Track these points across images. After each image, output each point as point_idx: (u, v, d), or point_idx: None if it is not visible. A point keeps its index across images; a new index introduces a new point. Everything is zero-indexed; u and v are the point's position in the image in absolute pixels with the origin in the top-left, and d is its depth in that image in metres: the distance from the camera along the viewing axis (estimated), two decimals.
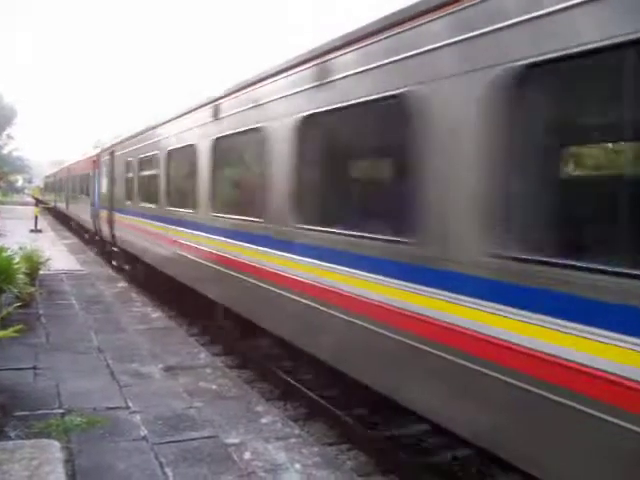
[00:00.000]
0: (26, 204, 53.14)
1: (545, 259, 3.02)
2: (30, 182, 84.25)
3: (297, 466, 4.32)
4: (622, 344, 2.65)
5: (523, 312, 3.10)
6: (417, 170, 3.90)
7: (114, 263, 15.75)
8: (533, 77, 3.15)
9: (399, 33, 4.05)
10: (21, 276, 8.47)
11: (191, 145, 8.28)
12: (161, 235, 10.13)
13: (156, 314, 9.68)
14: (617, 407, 2.68)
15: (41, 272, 10.90)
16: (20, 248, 10.24)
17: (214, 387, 6.10)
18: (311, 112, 5.14)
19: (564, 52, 2.90)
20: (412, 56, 3.92)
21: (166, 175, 9.94)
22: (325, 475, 4.21)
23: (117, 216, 14.33)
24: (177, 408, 5.28)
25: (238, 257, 6.71)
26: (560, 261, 2.95)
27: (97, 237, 18.44)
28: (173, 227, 9.37)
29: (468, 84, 3.48)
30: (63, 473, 3.79)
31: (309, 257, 5.17)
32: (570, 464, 3.00)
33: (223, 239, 7.14)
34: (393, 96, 4.08)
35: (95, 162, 18.41)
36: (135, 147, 12.41)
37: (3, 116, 68.43)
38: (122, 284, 12.64)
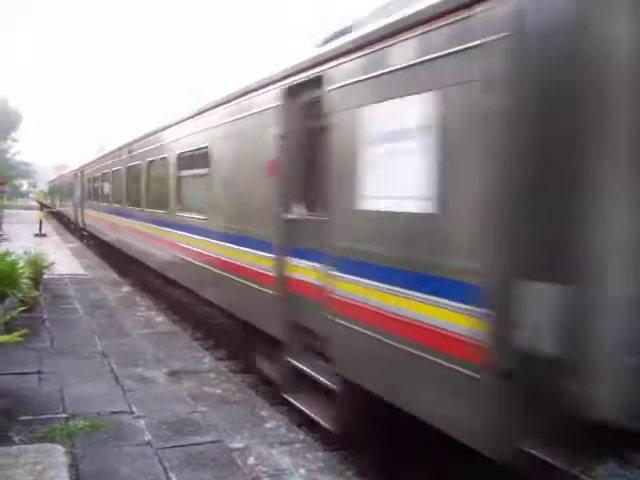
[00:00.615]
0: (30, 208, 53.38)
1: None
2: (35, 186, 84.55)
3: (301, 471, 4.31)
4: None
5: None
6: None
7: (85, 242, 24.06)
8: None
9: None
10: (25, 280, 8.49)
11: (106, 172, 17.21)
12: (100, 219, 18.68)
13: (160, 318, 9.69)
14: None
15: (45, 276, 10.93)
16: (25, 252, 10.26)
17: (218, 392, 6.09)
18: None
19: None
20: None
21: (101, 186, 18.67)
22: None
23: (85, 211, 22.99)
24: (181, 413, 5.27)
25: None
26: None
27: (77, 225, 27.21)
28: (105, 214, 17.41)
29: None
30: (67, 478, 3.78)
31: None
32: None
33: (117, 216, 15.28)
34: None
35: (76, 175, 26.60)
36: (90, 169, 21.60)
37: (8, 121, 68.54)
38: (126, 288, 12.67)
